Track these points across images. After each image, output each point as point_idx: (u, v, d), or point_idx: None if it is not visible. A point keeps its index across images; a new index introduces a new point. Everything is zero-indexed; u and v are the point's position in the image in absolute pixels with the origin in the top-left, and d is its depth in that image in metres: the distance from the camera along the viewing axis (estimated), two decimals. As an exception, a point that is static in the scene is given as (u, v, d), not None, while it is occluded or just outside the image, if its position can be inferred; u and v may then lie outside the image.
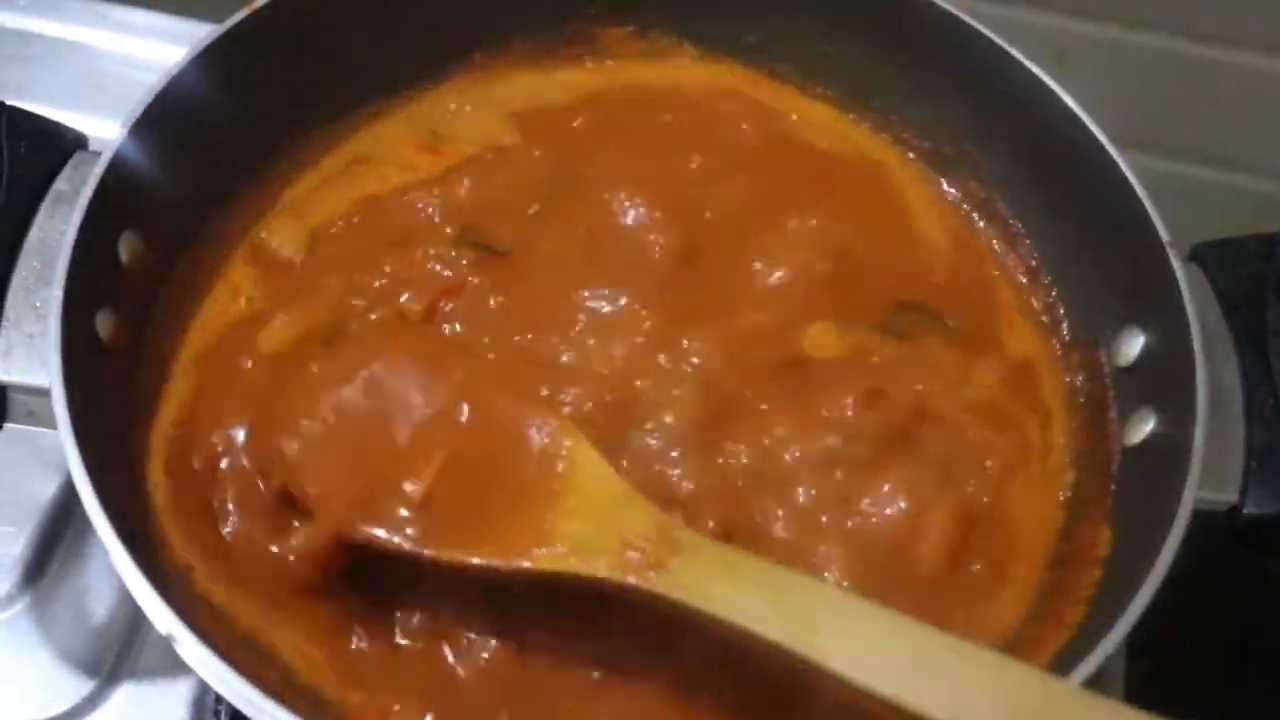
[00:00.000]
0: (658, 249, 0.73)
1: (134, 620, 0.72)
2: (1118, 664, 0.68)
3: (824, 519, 0.65)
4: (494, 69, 0.82)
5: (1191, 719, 0.48)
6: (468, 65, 0.81)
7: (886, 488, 0.65)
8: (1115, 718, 0.50)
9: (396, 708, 0.60)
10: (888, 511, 0.65)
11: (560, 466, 0.62)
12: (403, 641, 0.62)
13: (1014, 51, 0.72)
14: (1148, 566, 0.56)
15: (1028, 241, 0.76)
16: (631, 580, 0.57)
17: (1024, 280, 0.76)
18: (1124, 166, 0.68)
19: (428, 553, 0.59)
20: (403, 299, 0.70)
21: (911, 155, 0.80)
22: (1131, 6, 0.94)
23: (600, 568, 0.57)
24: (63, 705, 0.71)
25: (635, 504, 0.60)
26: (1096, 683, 0.54)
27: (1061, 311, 0.74)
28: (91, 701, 0.71)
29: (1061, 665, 0.56)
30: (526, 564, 0.58)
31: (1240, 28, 0.94)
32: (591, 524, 0.59)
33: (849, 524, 0.65)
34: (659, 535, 0.58)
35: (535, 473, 0.62)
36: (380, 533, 0.60)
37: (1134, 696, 0.68)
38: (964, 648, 0.52)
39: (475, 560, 0.59)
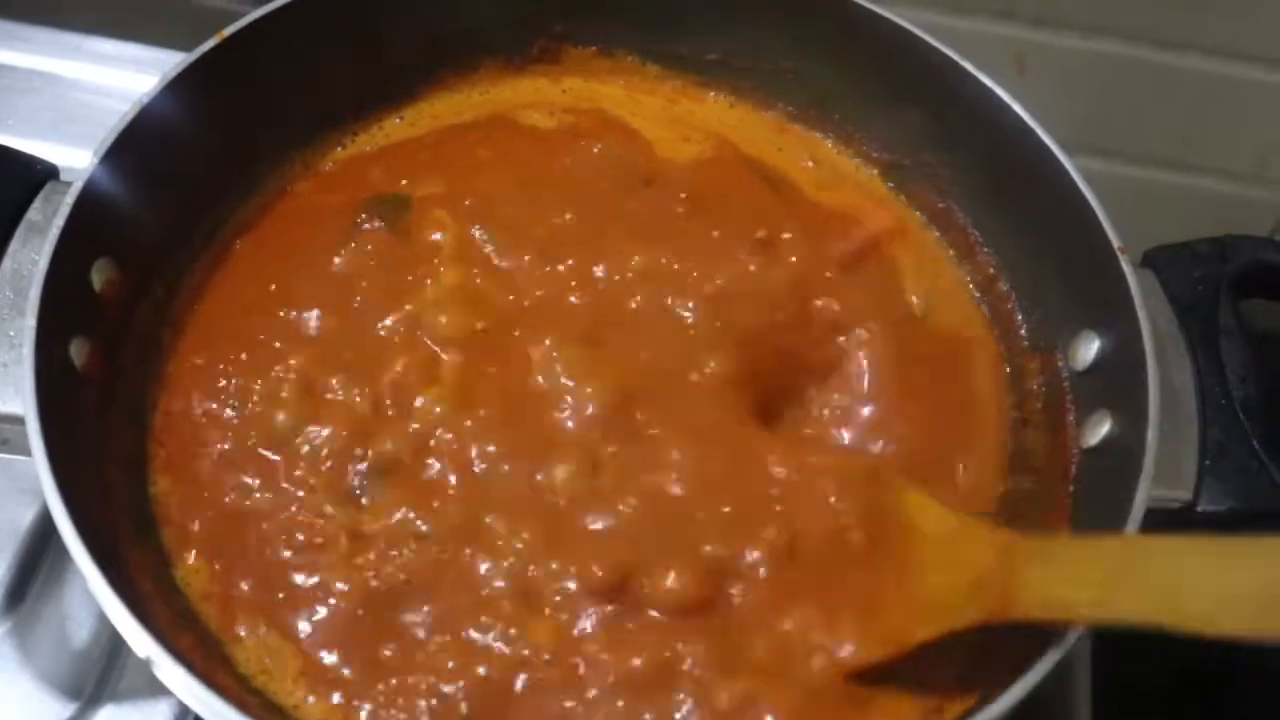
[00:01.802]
0: None
1: (114, 643, 0.73)
2: (1083, 661, 0.69)
3: None
4: (459, 86, 0.83)
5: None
6: (436, 84, 0.83)
7: None
8: None
9: None
10: None
11: (898, 520, 0.61)
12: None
13: (967, 65, 0.73)
14: (1103, 567, 0.57)
15: (985, 250, 0.77)
16: (997, 619, 0.56)
17: (983, 289, 0.77)
18: (1075, 175, 0.69)
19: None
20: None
21: (874, 169, 0.82)
22: (1090, 15, 0.95)
23: (970, 616, 0.57)
24: (45, 728, 0.71)
25: (974, 534, 0.59)
26: (1062, 678, 0.55)
27: (1019, 318, 0.75)
28: (73, 724, 0.72)
29: (1023, 660, 0.57)
30: (917, 641, 0.58)
31: (1196, 33, 0.95)
32: (949, 573, 0.58)
33: None
34: (1001, 561, 0.57)
35: (877, 536, 0.61)
36: None
37: (1099, 690, 0.70)
38: None
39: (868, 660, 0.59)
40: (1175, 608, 0.51)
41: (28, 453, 0.58)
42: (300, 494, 0.65)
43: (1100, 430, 0.66)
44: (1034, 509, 0.68)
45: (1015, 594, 0.55)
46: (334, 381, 0.68)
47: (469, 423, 0.66)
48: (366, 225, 0.74)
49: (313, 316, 0.70)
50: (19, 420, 0.59)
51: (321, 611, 0.62)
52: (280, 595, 0.63)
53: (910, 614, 0.59)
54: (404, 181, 0.76)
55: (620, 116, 0.82)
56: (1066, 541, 0.58)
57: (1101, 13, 0.95)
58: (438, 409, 0.66)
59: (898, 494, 0.62)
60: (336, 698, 0.60)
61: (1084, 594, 0.54)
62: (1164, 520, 0.60)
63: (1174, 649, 0.76)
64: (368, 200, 0.75)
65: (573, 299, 0.71)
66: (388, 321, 0.70)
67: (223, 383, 0.69)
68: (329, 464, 0.66)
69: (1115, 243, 0.66)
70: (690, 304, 0.70)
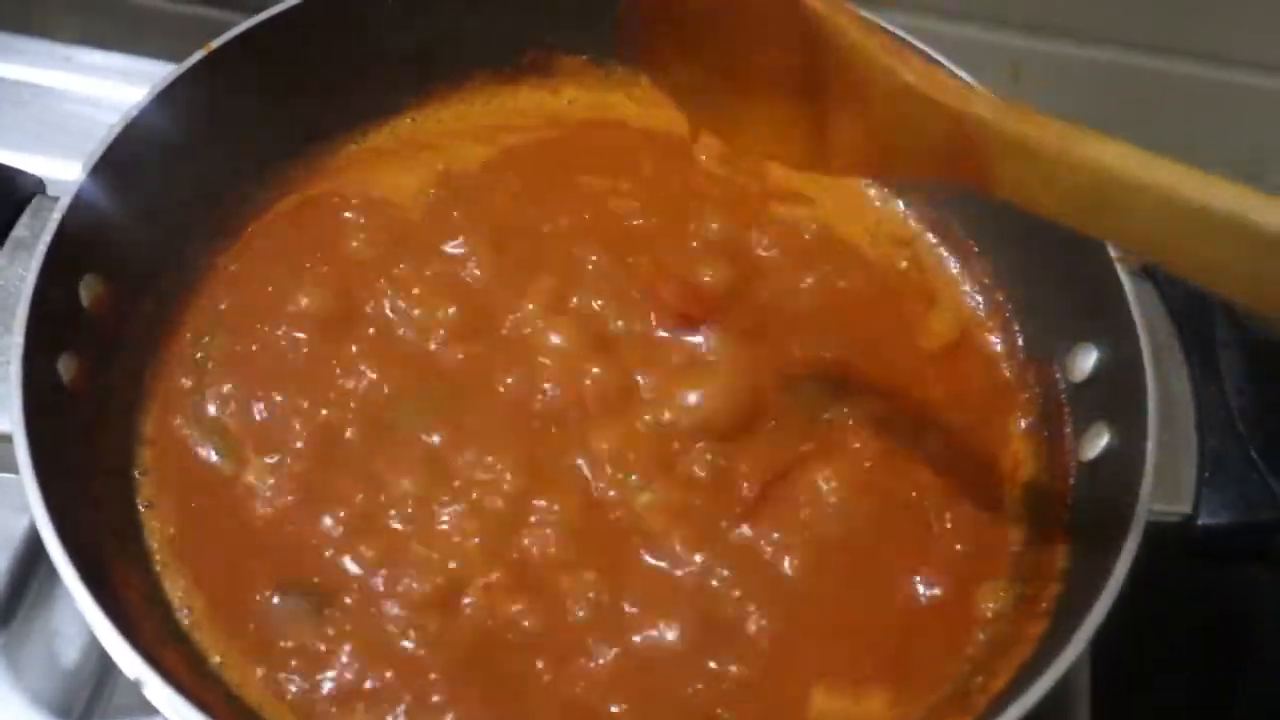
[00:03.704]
0: None
1: (105, 662, 0.71)
2: (1082, 676, 0.69)
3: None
4: (453, 97, 0.83)
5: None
6: (426, 96, 0.82)
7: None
8: None
9: None
10: None
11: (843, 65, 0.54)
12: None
13: (962, 72, 0.73)
14: (1104, 578, 0.57)
15: (982, 259, 0.77)
16: (961, 183, 0.52)
17: (979, 298, 0.77)
18: (1072, 184, 0.69)
19: None
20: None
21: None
22: (1084, 22, 0.95)
23: (945, 173, 0.53)
24: (35, 748, 0.70)
25: (928, 97, 0.52)
26: (1061, 695, 0.55)
27: (1016, 329, 0.75)
28: (64, 744, 0.71)
29: (1024, 678, 0.57)
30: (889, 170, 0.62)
31: (1190, 39, 0.95)
32: (910, 135, 0.53)
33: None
34: (965, 142, 0.51)
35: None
36: None
37: (1098, 707, 0.69)
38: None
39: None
40: (1165, 255, 0.49)
41: (15, 470, 0.57)
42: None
43: (1099, 443, 0.66)
44: (1032, 521, 0.68)
45: (993, 182, 0.52)
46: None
47: None
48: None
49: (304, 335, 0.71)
50: (6, 438, 0.58)
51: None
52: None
53: (879, 141, 0.55)
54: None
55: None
56: (1044, 143, 0.49)
57: (1096, 20, 0.95)
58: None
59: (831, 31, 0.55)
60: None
61: (1067, 210, 0.50)
62: (1165, 534, 0.60)
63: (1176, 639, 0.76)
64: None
65: None
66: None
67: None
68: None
69: (1113, 252, 0.66)
70: None
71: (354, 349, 0.70)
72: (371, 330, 0.71)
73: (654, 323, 0.72)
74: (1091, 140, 0.49)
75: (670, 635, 0.62)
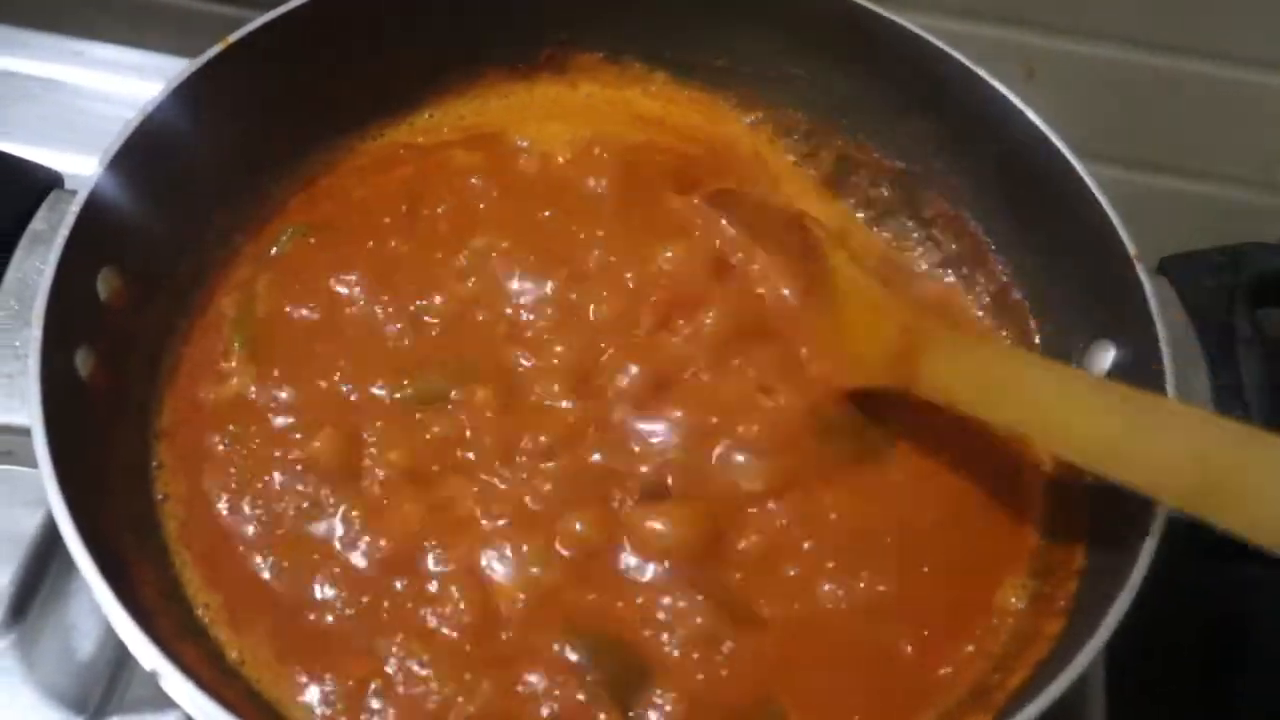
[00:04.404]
0: None
1: (120, 655, 0.72)
2: (1097, 674, 0.69)
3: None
4: (469, 92, 0.83)
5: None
6: (442, 92, 0.82)
7: None
8: None
9: None
10: None
11: (831, 279, 0.69)
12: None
13: (980, 70, 0.73)
14: (1123, 577, 0.57)
15: (999, 258, 0.77)
16: (906, 389, 0.64)
17: (996, 298, 0.77)
18: (1090, 181, 0.69)
19: None
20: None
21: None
22: (1098, 21, 0.95)
23: (885, 380, 0.65)
24: (49, 742, 0.70)
25: (886, 309, 0.67)
26: (1076, 694, 0.55)
27: (1033, 326, 0.74)
28: (78, 738, 0.71)
29: (1041, 677, 0.57)
30: (845, 387, 0.68)
31: (1204, 39, 0.95)
32: (868, 340, 0.67)
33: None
34: (907, 341, 0.64)
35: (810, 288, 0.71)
36: None
37: (1114, 704, 0.69)
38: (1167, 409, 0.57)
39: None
40: (1044, 432, 0.60)
41: (33, 464, 0.57)
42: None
43: (1117, 441, 0.65)
44: (1051, 519, 0.68)
45: (918, 376, 0.64)
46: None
47: None
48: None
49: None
50: (25, 431, 0.58)
51: (328, 618, 0.63)
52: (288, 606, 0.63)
53: (838, 364, 0.69)
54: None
55: None
56: (963, 343, 0.65)
57: (1109, 19, 0.94)
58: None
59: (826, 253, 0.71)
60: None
61: (966, 394, 0.62)
62: (1181, 532, 0.60)
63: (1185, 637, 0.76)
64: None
65: None
66: (397, 327, 0.71)
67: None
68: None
69: (1131, 250, 0.66)
70: None
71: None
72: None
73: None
74: (971, 341, 0.67)
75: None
